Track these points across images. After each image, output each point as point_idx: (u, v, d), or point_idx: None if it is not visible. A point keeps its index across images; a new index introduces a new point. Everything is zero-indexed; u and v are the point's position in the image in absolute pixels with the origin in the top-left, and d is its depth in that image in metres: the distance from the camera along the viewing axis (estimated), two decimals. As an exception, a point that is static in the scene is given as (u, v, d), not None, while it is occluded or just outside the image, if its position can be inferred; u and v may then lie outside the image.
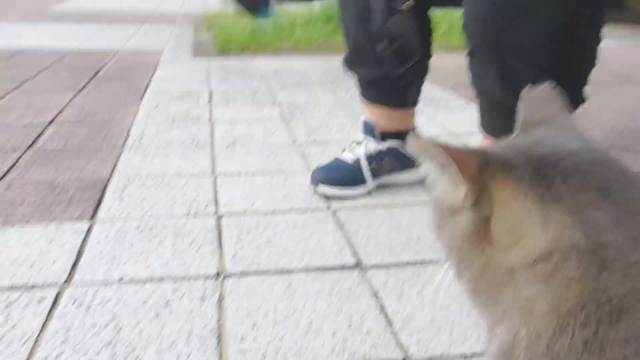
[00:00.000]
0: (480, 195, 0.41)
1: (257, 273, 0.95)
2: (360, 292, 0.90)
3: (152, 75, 2.52)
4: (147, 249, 1.02)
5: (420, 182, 1.29)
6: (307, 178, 1.31)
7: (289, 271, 0.96)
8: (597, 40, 0.96)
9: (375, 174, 1.29)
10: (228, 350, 0.76)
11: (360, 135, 1.33)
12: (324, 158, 1.48)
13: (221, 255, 1.01)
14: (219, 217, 1.16)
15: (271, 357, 0.74)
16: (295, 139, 1.68)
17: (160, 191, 1.28)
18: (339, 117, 1.92)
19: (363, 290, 0.90)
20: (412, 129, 1.36)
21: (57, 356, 0.74)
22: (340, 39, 1.37)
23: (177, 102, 2.07)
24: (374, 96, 1.31)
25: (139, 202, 1.22)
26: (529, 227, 0.38)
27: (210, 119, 1.86)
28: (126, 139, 1.64)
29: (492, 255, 0.41)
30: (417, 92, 1.32)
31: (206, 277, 0.94)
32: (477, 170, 0.40)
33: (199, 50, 3.21)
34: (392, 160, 1.31)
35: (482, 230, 0.41)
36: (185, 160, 1.48)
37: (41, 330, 0.79)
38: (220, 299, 0.88)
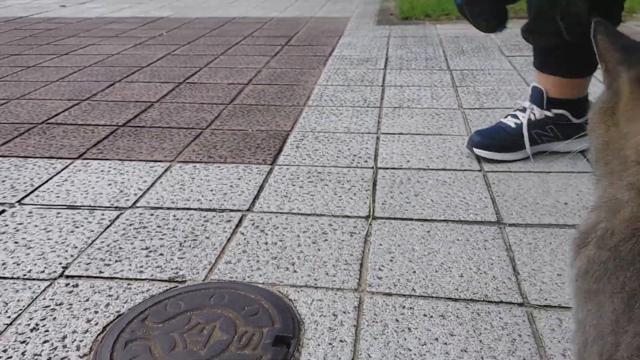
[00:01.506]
0: (613, 82, 0.46)
1: (402, 219, 1.06)
2: (494, 244, 0.95)
3: (337, 42, 2.72)
4: (313, 191, 1.20)
5: (579, 152, 1.25)
6: (465, 141, 1.35)
7: (430, 220, 1.05)
8: None
9: (535, 141, 1.29)
10: (367, 275, 0.89)
11: (526, 102, 1.32)
12: (486, 123, 1.51)
13: (373, 201, 1.14)
14: (376, 170, 1.28)
15: (402, 285, 0.86)
16: (461, 104, 1.71)
17: (330, 145, 1.45)
18: (510, 84, 1.88)
19: (497, 243, 0.95)
20: (584, 98, 1.30)
21: (237, 261, 0.96)
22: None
23: (356, 67, 2.23)
24: (547, 66, 1.29)
25: (311, 152, 1.41)
26: None
27: (382, 83, 1.99)
28: (308, 98, 1.85)
29: (613, 138, 0.45)
30: (596, 61, 1.26)
31: (357, 217, 1.08)
32: (617, 62, 0.46)
33: (382, 18, 3.33)
34: (555, 129, 1.28)
35: (609, 111, 0.46)
36: (354, 119, 1.63)
37: (227, 241, 1.02)
38: (367, 236, 1.01)
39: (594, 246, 0.43)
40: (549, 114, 1.29)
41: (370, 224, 1.05)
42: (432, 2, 3.36)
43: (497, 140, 1.30)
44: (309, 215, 1.10)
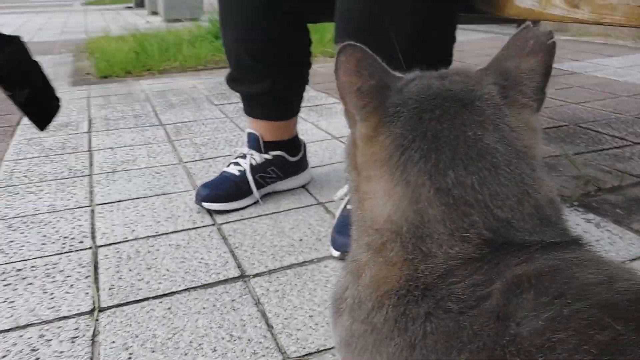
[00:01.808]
0: (351, 127, 0.41)
1: (136, 301, 0.90)
2: (242, 302, 0.87)
3: (26, 110, 2.35)
4: (11, 296, 0.93)
5: (303, 187, 1.30)
6: (193, 197, 1.27)
7: (169, 294, 0.91)
8: (451, 40, 1.00)
9: (261, 184, 1.28)
10: (101, 389, 0.71)
11: (245, 148, 1.31)
12: (210, 174, 1.45)
13: (97, 290, 0.94)
14: (96, 250, 1.08)
15: (148, 387, 0.70)
16: (181, 158, 1.63)
17: (30, 231, 1.18)
18: (226, 132, 1.89)
19: (246, 300, 0.88)
20: (295, 137, 1.36)
21: None
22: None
23: (54, 134, 1.94)
24: (256, 112, 1.30)
25: (5, 246, 1.12)
26: (377, 191, 0.38)
27: (89, 148, 1.76)
28: (-7, 180, 1.51)
29: (359, 186, 0.40)
30: (298, 102, 1.33)
31: (79, 315, 0.87)
32: (353, 106, 0.40)
33: (78, 78, 3.04)
34: (276, 170, 1.31)
35: (354, 157, 0.41)
36: (60, 194, 1.38)
37: None
38: (94, 336, 0.81)
39: (348, 316, 0.38)
40: (267, 156, 1.30)
41: (96, 320, 0.86)
42: (131, 58, 3.23)
43: (224, 190, 1.25)
44: (8, 331, 0.84)
